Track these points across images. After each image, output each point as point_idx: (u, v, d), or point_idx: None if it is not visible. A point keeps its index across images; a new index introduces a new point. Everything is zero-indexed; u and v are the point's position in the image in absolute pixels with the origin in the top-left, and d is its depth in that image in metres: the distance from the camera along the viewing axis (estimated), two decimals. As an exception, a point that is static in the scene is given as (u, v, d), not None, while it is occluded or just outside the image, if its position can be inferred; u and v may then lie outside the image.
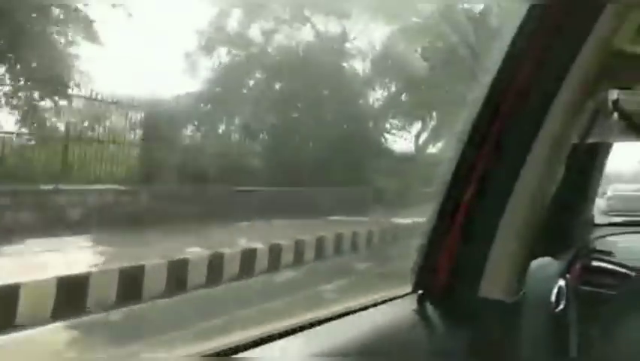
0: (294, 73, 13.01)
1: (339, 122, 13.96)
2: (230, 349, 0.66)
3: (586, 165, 1.73)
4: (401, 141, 16.14)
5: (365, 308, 0.78)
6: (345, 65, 14.28)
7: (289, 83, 13.27)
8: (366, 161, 14.14)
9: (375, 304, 0.81)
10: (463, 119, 0.83)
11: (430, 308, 0.80)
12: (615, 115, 1.06)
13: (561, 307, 1.47)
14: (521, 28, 0.79)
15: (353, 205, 12.58)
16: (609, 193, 15.70)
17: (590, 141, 1.32)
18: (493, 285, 0.80)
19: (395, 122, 16.16)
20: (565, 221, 1.69)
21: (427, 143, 17.04)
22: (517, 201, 0.81)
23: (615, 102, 1.03)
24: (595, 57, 0.79)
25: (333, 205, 11.99)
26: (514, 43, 0.80)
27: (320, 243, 9.31)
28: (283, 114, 13.42)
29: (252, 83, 13.63)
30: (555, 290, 1.45)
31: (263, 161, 12.97)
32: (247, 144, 13.27)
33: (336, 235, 9.85)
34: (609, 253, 1.69)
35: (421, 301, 0.81)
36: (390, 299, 0.81)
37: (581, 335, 1.49)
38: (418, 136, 17.06)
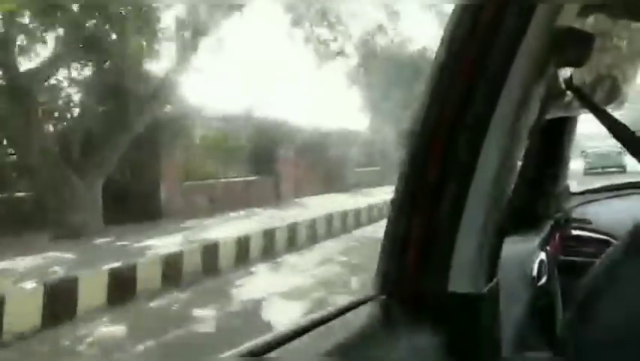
0: None
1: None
2: None
3: (554, 138, 1.71)
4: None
5: (329, 319, 0.74)
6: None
7: None
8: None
9: (341, 312, 0.76)
10: (413, 109, 0.79)
11: (397, 310, 0.76)
12: (568, 93, 1.03)
13: (543, 280, 1.44)
14: (464, 10, 0.75)
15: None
16: (587, 151, 15.89)
17: (553, 116, 1.29)
18: (461, 277, 0.76)
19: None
20: (539, 194, 1.67)
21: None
22: (480, 185, 0.77)
23: (567, 80, 1.01)
24: (542, 35, 0.76)
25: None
26: (458, 23, 0.76)
27: None
28: None
29: None
30: (536, 264, 1.43)
31: None
32: None
33: None
34: (587, 221, 1.68)
35: (387, 303, 0.77)
36: (355, 305, 0.77)
37: (565, 307, 1.46)
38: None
